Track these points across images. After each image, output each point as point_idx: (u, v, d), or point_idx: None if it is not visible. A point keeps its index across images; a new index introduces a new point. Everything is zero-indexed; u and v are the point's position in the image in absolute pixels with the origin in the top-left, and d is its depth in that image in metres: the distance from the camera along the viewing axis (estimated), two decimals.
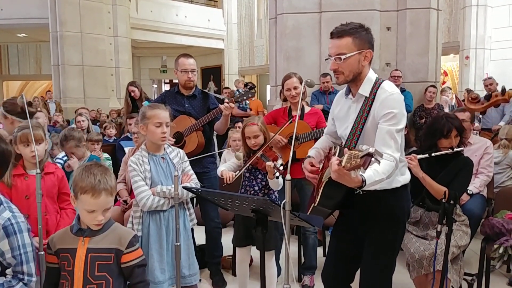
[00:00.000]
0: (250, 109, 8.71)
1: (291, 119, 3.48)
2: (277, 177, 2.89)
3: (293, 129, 2.33)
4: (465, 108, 4.21)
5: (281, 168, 2.83)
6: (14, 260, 1.91)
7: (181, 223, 2.80)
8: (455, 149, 3.05)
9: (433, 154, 3.07)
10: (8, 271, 1.94)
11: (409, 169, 2.55)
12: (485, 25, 13.14)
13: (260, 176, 3.09)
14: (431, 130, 3.13)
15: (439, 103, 6.73)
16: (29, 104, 3.31)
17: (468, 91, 9.70)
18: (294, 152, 3.38)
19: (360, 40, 2.13)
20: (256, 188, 3.09)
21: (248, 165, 3.02)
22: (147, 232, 2.74)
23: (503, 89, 2.84)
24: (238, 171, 3.05)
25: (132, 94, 5.98)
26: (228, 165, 3.17)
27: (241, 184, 3.19)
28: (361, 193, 2.10)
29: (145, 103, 4.95)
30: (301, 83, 3.47)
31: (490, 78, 7.48)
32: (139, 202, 2.71)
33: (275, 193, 3.12)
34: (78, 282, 1.86)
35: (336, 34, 2.15)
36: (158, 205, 2.71)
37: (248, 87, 3.58)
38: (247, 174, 3.13)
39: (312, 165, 2.34)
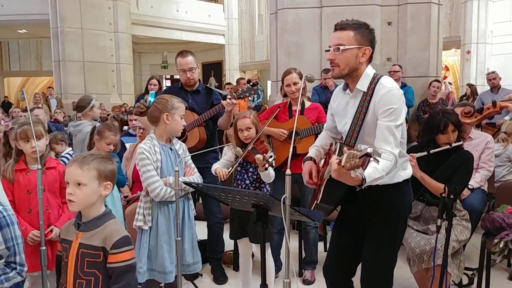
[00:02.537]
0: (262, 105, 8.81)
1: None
2: (266, 169, 2.91)
3: (294, 125, 2.34)
4: (465, 103, 4.20)
5: (270, 160, 2.85)
6: (7, 252, 1.97)
7: (186, 213, 2.84)
8: (453, 144, 3.05)
9: (431, 151, 3.06)
10: (0, 262, 1.98)
11: None
12: (486, 20, 13.08)
13: (251, 169, 3.11)
14: (428, 126, 3.14)
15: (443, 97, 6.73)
16: None
17: (470, 85, 9.69)
18: (294, 148, 3.42)
19: (362, 36, 2.14)
20: (248, 181, 3.11)
21: (240, 159, 3.03)
22: (156, 223, 2.75)
23: (494, 101, 2.92)
24: (231, 167, 3.06)
25: (152, 87, 6.08)
26: (221, 162, 3.18)
27: (233, 178, 3.19)
28: (363, 188, 2.10)
29: (152, 94, 4.94)
30: (301, 78, 3.47)
31: (493, 72, 7.46)
32: (152, 192, 2.70)
33: (267, 186, 3.14)
34: (70, 276, 1.84)
35: (339, 26, 2.18)
36: (169, 196, 2.71)
37: (251, 84, 3.58)
38: (239, 168, 3.14)
39: (311, 175, 2.33)
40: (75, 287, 1.83)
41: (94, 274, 1.81)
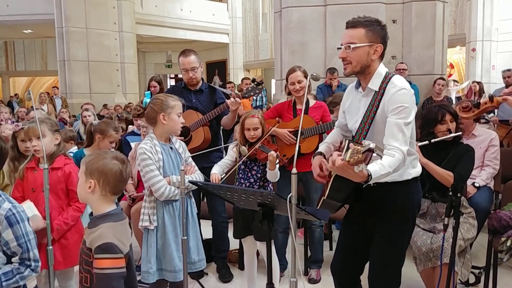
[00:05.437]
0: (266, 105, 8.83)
1: (296, 116, 3.47)
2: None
3: (298, 123, 2.33)
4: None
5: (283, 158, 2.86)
6: (20, 248, 1.97)
7: (189, 211, 2.84)
8: (453, 134, 3.06)
9: (432, 140, 3.08)
10: (15, 259, 1.99)
11: None
12: (491, 17, 13.00)
13: (255, 168, 3.11)
14: (426, 119, 3.20)
15: (447, 95, 6.71)
16: None
17: (478, 83, 9.64)
18: (298, 147, 3.41)
19: (373, 34, 2.14)
20: (252, 180, 3.11)
21: (244, 158, 3.02)
22: (162, 222, 2.75)
23: (491, 96, 2.98)
24: (224, 174, 3.06)
25: (152, 89, 6.08)
26: (223, 162, 3.18)
27: (236, 177, 3.19)
28: (371, 185, 2.10)
29: (147, 94, 4.97)
30: (305, 76, 3.46)
31: (509, 70, 7.37)
32: (156, 191, 2.69)
33: (270, 185, 3.13)
34: (78, 269, 1.90)
35: (351, 24, 2.18)
36: (173, 195, 2.72)
37: (255, 83, 3.57)
38: (242, 167, 3.14)
39: (321, 168, 2.32)
40: (79, 280, 1.88)
41: (89, 271, 1.83)
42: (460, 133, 3.14)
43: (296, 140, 2.04)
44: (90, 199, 1.90)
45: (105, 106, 11.25)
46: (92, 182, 1.85)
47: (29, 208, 2.54)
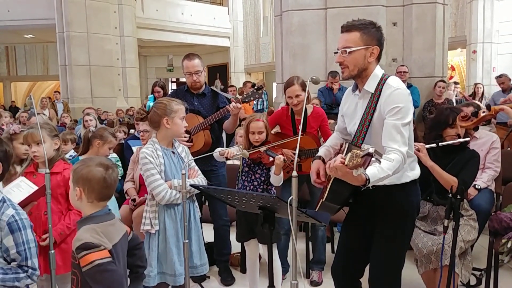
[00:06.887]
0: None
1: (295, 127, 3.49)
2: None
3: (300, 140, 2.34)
4: (470, 103, 4.20)
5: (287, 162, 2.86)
6: (19, 256, 1.97)
7: (192, 215, 2.85)
8: (462, 139, 3.06)
9: (440, 144, 3.07)
10: (13, 264, 1.99)
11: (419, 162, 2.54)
12: (492, 19, 13.01)
13: (259, 171, 3.11)
14: (436, 121, 3.18)
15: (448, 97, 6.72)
16: None
17: (476, 85, 9.66)
18: (299, 166, 3.40)
19: (369, 36, 2.15)
20: (256, 183, 3.11)
21: (248, 156, 3.03)
22: (163, 226, 2.76)
23: (488, 106, 3.08)
24: (237, 153, 3.03)
25: (156, 95, 6.10)
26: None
27: (239, 179, 3.19)
28: (370, 188, 2.11)
29: (151, 98, 4.99)
30: (303, 89, 3.38)
31: (501, 76, 7.39)
32: (157, 195, 2.70)
33: (273, 188, 3.14)
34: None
35: (345, 28, 2.19)
36: (175, 198, 2.72)
37: (255, 87, 3.57)
38: (246, 169, 3.14)
39: (318, 175, 2.32)
40: (71, 281, 1.90)
41: (75, 273, 1.85)
42: (468, 139, 3.14)
43: (296, 153, 2.04)
44: (80, 206, 1.95)
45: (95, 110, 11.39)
46: (78, 190, 1.88)
47: (22, 182, 2.56)
